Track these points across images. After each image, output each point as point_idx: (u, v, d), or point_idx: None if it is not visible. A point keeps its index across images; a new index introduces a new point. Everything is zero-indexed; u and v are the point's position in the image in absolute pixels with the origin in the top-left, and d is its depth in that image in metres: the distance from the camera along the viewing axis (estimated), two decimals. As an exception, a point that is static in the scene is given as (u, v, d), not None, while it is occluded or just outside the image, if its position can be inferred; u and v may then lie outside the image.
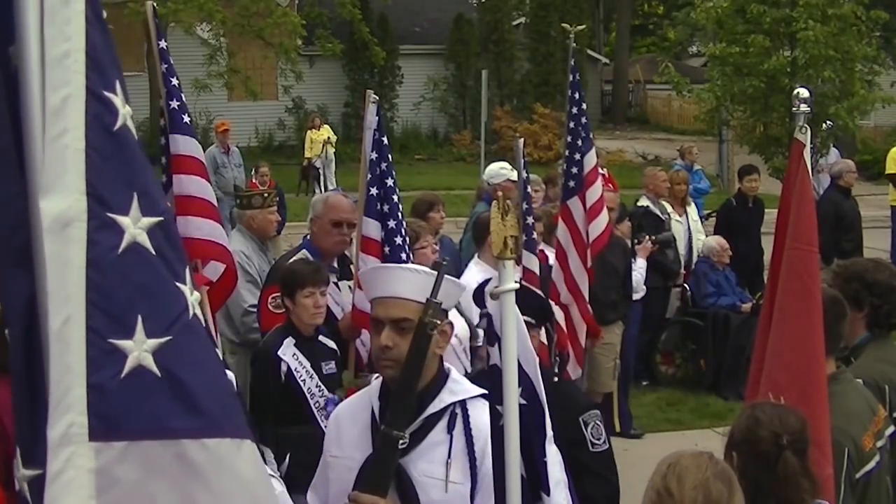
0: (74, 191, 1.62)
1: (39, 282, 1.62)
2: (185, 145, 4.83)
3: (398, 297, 2.95)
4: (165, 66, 4.78)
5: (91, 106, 1.65)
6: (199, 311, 1.78)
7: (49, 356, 1.60)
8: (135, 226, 1.68)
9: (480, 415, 3.01)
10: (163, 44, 4.78)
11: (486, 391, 3.04)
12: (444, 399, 3.01)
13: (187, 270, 1.79)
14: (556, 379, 4.00)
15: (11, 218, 1.66)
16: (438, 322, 2.85)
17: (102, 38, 1.68)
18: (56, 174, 1.61)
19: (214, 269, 5.01)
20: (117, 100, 1.70)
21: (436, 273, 2.91)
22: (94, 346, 1.62)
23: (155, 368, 1.66)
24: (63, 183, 1.61)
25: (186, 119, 4.85)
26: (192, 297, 1.77)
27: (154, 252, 1.70)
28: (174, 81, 4.81)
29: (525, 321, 3.74)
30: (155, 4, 4.83)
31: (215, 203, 5.01)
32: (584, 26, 8.66)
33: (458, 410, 3.01)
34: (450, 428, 2.98)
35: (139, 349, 1.65)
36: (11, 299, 1.67)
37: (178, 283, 1.74)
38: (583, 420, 3.93)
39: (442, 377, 3.05)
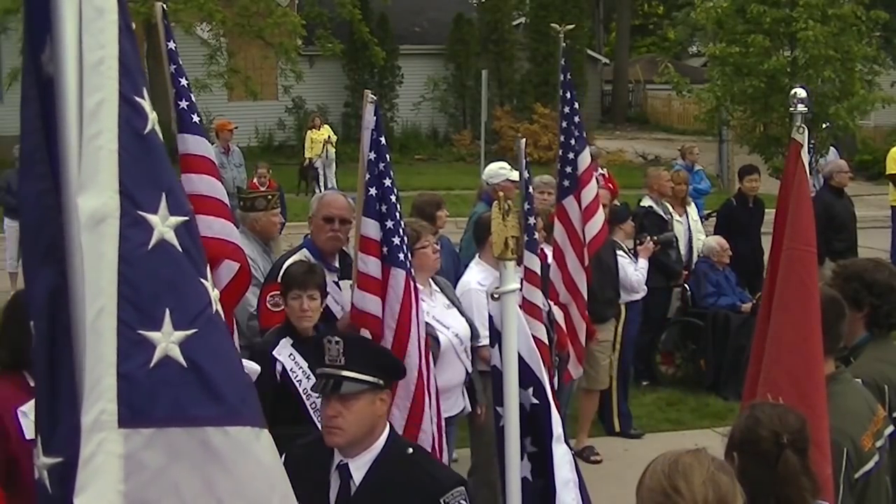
0: (108, 189, 1.70)
1: (74, 275, 1.68)
2: (194, 144, 4.84)
3: None
4: (174, 66, 4.79)
5: (123, 109, 1.74)
6: (219, 307, 1.85)
7: (83, 346, 1.66)
8: (163, 224, 1.76)
9: None
10: (171, 45, 4.78)
11: None
12: None
13: (208, 268, 1.87)
14: (410, 451, 3.58)
15: (39, 214, 1.74)
16: None
17: (132, 46, 1.78)
18: (91, 173, 1.69)
19: (228, 268, 5.00)
20: (146, 104, 1.79)
21: None
22: (124, 337, 1.69)
23: (181, 359, 1.73)
24: (97, 181, 1.69)
25: (195, 119, 4.86)
26: (214, 293, 1.85)
27: (180, 249, 1.78)
28: (183, 82, 4.82)
29: (371, 382, 3.40)
30: (164, 6, 4.83)
31: (227, 202, 5.01)
32: (573, 25, 8.72)
33: None
34: None
35: (167, 340, 1.72)
36: (37, 292, 1.74)
37: (201, 279, 1.82)
38: (444, 501, 3.37)
39: None
